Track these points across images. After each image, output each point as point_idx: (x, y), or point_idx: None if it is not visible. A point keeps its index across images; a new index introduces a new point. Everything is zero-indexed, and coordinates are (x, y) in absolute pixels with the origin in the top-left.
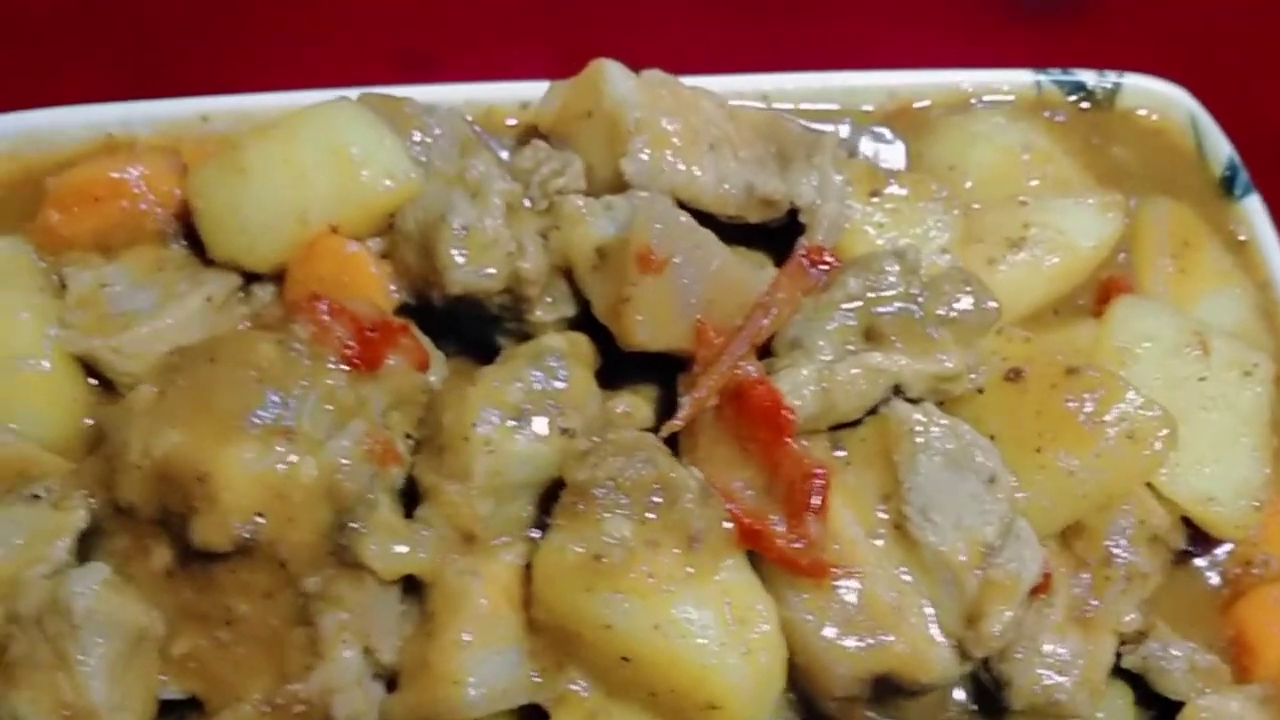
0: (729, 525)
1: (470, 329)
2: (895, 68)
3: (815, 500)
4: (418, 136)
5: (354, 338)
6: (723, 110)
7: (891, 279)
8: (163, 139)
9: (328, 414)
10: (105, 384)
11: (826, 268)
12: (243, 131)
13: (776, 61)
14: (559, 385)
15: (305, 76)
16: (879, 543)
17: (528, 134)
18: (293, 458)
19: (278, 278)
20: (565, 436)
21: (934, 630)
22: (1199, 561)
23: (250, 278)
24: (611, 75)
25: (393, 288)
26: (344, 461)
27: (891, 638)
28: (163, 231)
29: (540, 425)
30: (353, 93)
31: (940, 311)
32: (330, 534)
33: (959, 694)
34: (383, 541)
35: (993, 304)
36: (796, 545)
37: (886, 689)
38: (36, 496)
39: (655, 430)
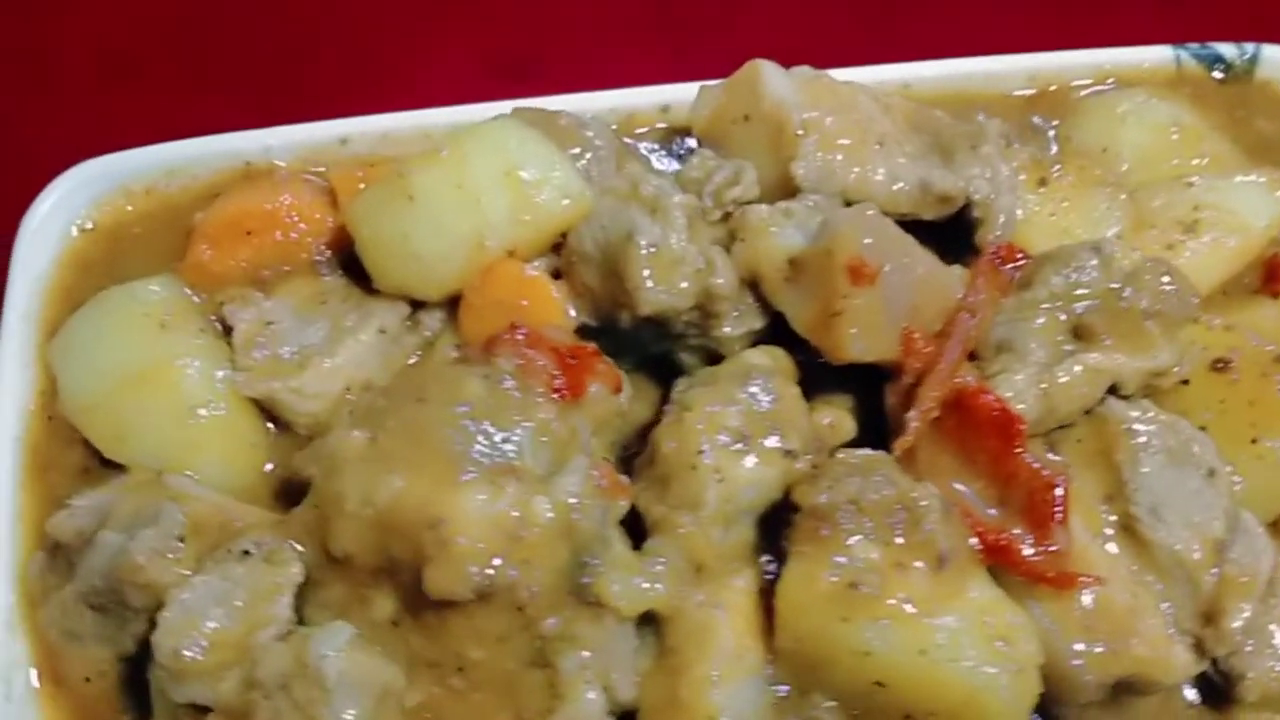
0: (974, 542)
1: (650, 346)
2: (1017, 50)
3: (1058, 511)
4: (577, 150)
5: (557, 367)
6: (878, 104)
7: (1092, 273)
8: (301, 164)
9: (545, 448)
10: (276, 422)
11: (1018, 265)
12: (404, 157)
13: (893, 51)
14: (771, 404)
15: (419, 92)
16: (1110, 546)
17: (668, 139)
18: (525, 498)
19: (445, 304)
20: (788, 458)
21: (1172, 631)
22: None
23: (415, 305)
24: (769, 75)
25: (568, 306)
26: (573, 499)
27: (1133, 641)
28: (316, 261)
29: (763, 448)
30: (492, 108)
31: (1144, 304)
32: (568, 574)
33: (1188, 690)
34: (623, 579)
35: (1194, 292)
36: (1042, 557)
37: (1121, 690)
38: (247, 553)
39: (857, 443)
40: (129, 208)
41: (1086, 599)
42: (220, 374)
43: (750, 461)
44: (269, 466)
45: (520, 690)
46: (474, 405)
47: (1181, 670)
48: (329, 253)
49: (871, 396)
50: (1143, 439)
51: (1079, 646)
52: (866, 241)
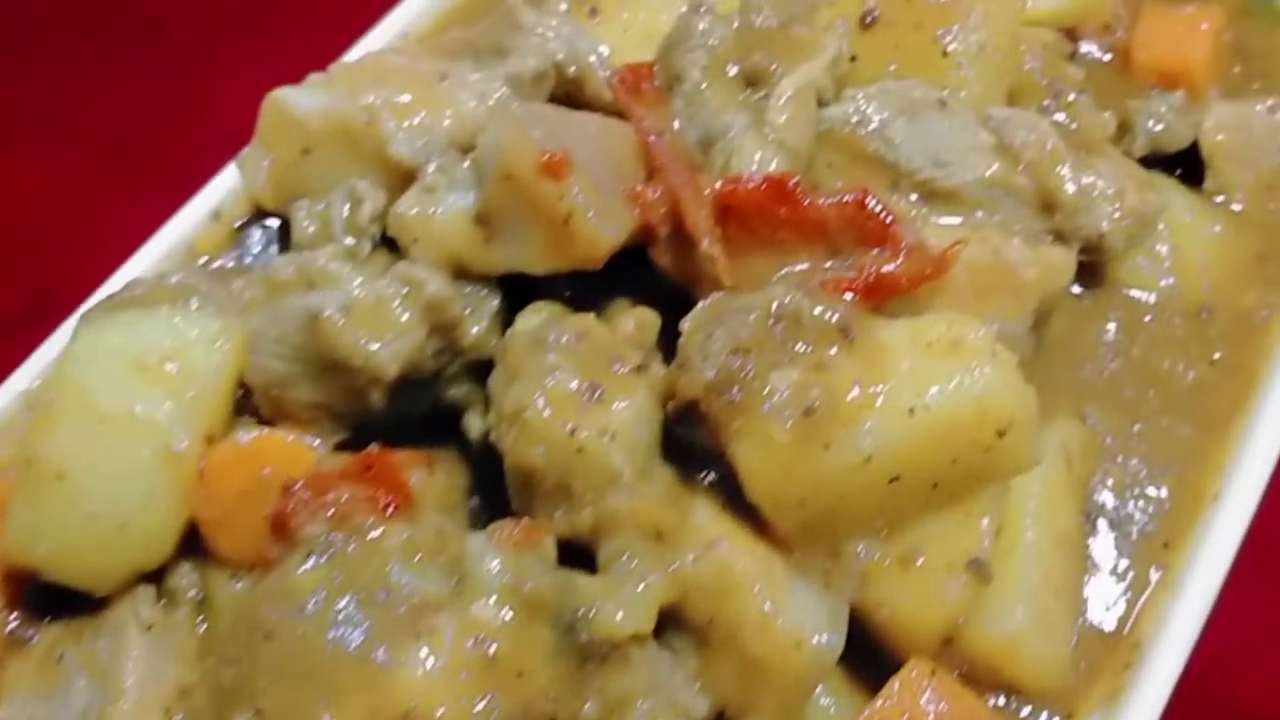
0: (850, 297)
1: (417, 408)
2: None
3: (885, 216)
4: (181, 301)
5: (363, 488)
6: (403, 57)
7: (713, 25)
8: None
9: (430, 565)
10: None
11: (649, 74)
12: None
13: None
14: (580, 342)
15: None
16: (934, 220)
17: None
18: (464, 621)
19: (177, 555)
20: (643, 372)
21: (1032, 240)
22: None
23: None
24: (290, 99)
25: (309, 440)
26: (508, 578)
27: (1019, 273)
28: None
29: (617, 380)
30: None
31: (774, 19)
32: (563, 649)
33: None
34: (615, 602)
35: None
36: (910, 260)
37: (1038, 322)
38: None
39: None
40: None
41: (962, 272)
42: None
43: (618, 402)
44: None
45: None
46: (324, 592)
47: (1065, 264)
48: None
49: (636, 282)
50: (874, 120)
51: (991, 313)
52: (536, 134)
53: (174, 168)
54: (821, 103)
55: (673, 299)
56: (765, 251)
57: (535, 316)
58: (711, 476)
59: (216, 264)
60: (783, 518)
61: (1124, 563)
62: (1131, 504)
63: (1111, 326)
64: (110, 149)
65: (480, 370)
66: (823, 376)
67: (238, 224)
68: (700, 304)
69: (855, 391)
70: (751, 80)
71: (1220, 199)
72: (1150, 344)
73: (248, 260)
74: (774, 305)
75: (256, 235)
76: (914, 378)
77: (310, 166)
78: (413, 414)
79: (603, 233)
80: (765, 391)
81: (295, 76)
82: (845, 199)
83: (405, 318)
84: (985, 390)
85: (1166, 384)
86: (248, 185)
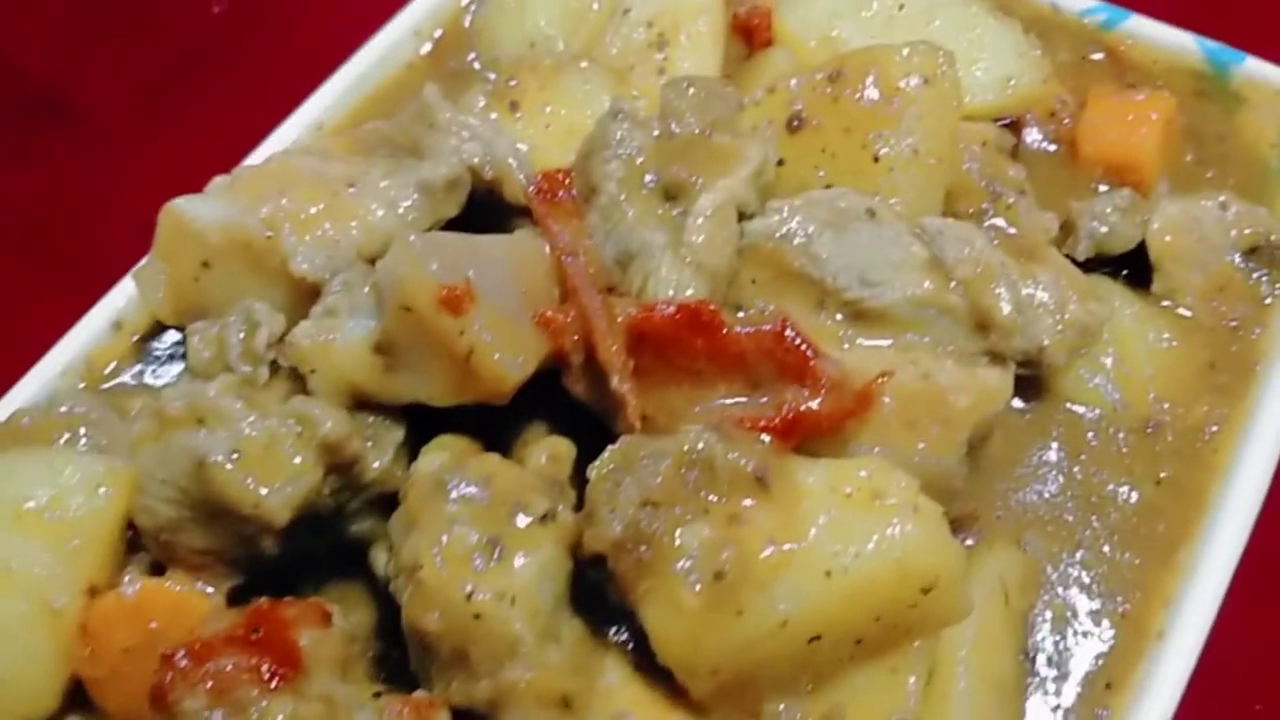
0: (767, 440)
1: (317, 547)
2: None
3: (806, 350)
4: (68, 434)
5: (251, 655)
6: (313, 156)
7: (630, 134)
8: None
9: None
10: None
11: (566, 183)
12: None
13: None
14: (484, 489)
15: None
16: (862, 342)
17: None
18: None
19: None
20: (548, 522)
21: (966, 362)
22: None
23: None
24: (189, 209)
25: (200, 587)
26: None
27: (948, 401)
28: None
29: (518, 534)
30: None
31: (695, 126)
32: None
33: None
34: None
35: (729, 87)
36: (830, 396)
37: (973, 447)
38: None
39: (582, 452)
40: None
41: (890, 402)
42: None
43: (520, 558)
44: None
45: None
46: None
47: (1000, 388)
48: None
49: (553, 405)
50: (799, 235)
51: (921, 445)
52: (434, 266)
53: (82, 263)
54: (745, 215)
55: (592, 421)
56: (682, 383)
57: (438, 456)
58: (624, 634)
59: (118, 380)
60: (696, 683)
61: (1064, 705)
62: (1072, 640)
63: (1054, 444)
64: (13, 243)
65: (387, 502)
66: (736, 532)
67: (136, 337)
68: (609, 449)
69: (769, 550)
70: (670, 194)
71: (1168, 303)
72: (1094, 463)
73: (149, 375)
74: (686, 451)
75: (162, 345)
76: (831, 535)
77: (210, 281)
78: (313, 553)
79: (507, 369)
80: (676, 548)
81: (209, 168)
82: (763, 329)
83: (298, 460)
84: (905, 550)
85: (1110, 507)
86: (145, 301)
